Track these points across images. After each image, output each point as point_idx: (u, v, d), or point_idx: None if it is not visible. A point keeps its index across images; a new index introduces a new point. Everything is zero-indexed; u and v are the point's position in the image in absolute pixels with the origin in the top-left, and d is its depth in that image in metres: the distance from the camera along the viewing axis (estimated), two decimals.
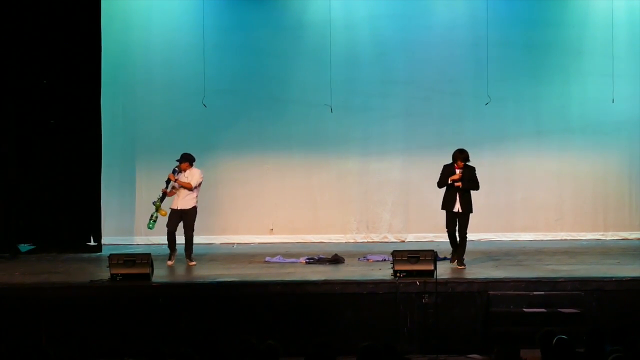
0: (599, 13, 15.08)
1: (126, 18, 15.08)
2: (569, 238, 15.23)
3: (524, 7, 15.17)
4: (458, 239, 11.74)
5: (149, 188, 15.23)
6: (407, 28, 15.20)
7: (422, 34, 15.24)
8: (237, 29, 15.16)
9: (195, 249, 12.53)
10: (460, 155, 11.61)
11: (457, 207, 11.63)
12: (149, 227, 12.48)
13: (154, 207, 12.39)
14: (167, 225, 12.39)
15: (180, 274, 11.57)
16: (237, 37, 15.16)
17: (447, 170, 11.73)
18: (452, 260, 11.82)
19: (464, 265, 11.69)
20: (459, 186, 11.59)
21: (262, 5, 15.16)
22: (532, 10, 15.16)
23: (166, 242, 12.43)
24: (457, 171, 11.62)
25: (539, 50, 15.20)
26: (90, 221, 14.27)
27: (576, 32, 15.20)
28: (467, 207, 11.67)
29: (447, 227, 11.79)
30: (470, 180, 11.67)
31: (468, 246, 12.05)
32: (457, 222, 11.71)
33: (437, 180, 11.85)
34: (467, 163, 11.68)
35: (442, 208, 11.77)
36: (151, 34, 15.17)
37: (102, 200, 14.34)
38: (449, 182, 11.62)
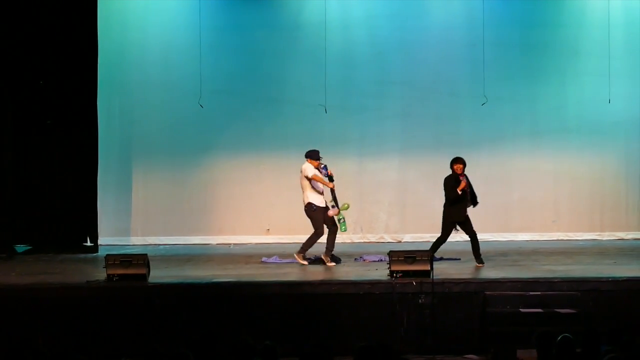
0: (595, 13, 15.11)
1: (123, 18, 15.08)
2: (565, 238, 15.25)
3: (520, 8, 15.20)
4: (470, 239, 11.80)
5: (145, 188, 15.27)
6: (404, 28, 15.22)
7: (418, 34, 15.26)
8: (233, 30, 15.17)
9: (192, 250, 12.52)
10: (461, 161, 11.71)
11: (464, 213, 11.80)
12: (343, 230, 12.30)
13: (341, 209, 12.19)
14: (321, 227, 12.23)
15: (177, 275, 11.55)
16: (233, 38, 15.17)
17: (452, 181, 11.75)
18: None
19: (483, 263, 11.80)
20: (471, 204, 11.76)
21: (258, 6, 15.16)
22: (528, 11, 15.19)
23: (164, 243, 12.30)
24: (462, 180, 11.67)
25: (535, 51, 15.22)
26: (86, 222, 14.25)
27: (573, 33, 15.23)
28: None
29: (442, 238, 11.89)
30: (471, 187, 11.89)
31: (464, 247, 12.15)
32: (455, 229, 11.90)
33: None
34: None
35: (454, 220, 11.80)
36: (147, 34, 15.17)
37: (98, 201, 14.33)
38: (459, 193, 11.68)
